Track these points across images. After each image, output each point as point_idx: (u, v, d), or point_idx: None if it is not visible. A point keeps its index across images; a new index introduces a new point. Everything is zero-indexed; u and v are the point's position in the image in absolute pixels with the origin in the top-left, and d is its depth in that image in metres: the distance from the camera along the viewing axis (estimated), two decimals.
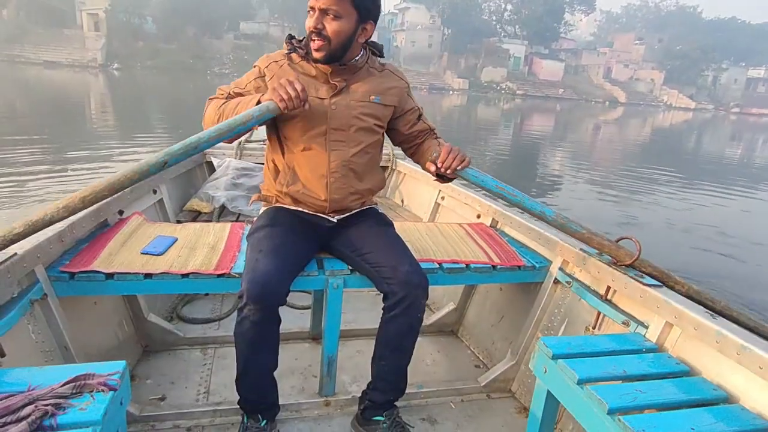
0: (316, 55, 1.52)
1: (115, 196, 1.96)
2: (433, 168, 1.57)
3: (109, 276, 1.53)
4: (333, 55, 1.52)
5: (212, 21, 51.30)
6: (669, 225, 6.88)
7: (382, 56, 1.70)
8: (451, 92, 51.07)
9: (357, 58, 1.59)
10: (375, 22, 1.55)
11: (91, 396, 1.02)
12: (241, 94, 1.59)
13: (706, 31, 73.93)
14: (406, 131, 1.75)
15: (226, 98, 1.59)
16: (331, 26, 1.47)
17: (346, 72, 1.58)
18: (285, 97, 1.40)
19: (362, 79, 1.62)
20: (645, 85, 64.84)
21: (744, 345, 1.20)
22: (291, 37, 1.62)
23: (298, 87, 1.41)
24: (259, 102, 1.44)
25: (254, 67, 1.64)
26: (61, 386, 1.03)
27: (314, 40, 1.49)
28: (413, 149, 1.79)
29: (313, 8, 1.47)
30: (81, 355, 1.59)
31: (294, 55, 1.60)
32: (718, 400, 1.22)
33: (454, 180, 1.70)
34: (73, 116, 14.71)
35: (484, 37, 59.61)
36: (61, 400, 1.00)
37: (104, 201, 1.86)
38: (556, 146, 16.48)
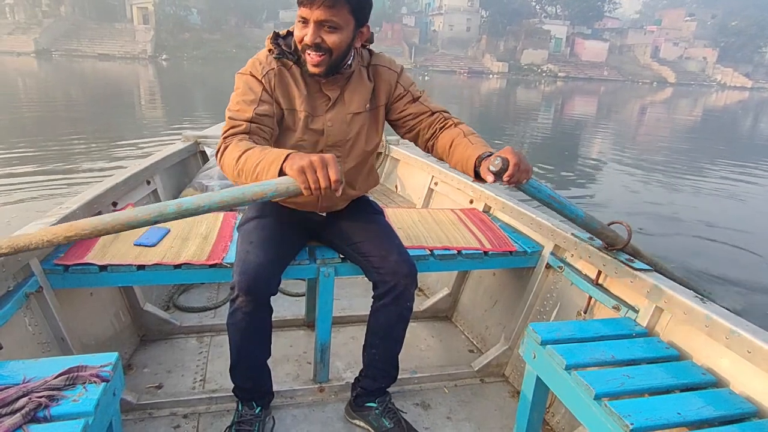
0: (314, 70, 1.42)
1: (109, 187, 2.00)
2: (491, 179, 1.32)
3: (103, 268, 1.56)
4: (333, 68, 1.44)
5: (253, 10, 52.38)
6: (716, 217, 6.39)
7: (371, 42, 1.58)
8: (490, 76, 50.52)
9: (350, 62, 1.50)
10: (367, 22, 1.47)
11: (84, 387, 1.04)
12: (260, 124, 1.42)
13: (763, 5, 69.81)
14: (398, 116, 1.64)
15: (244, 136, 1.39)
16: (330, 39, 1.38)
17: (339, 80, 1.52)
18: (313, 186, 1.14)
19: (355, 85, 1.55)
20: (696, 64, 62.29)
21: (732, 329, 1.22)
22: (276, 36, 1.51)
23: (333, 176, 1.14)
24: (281, 170, 1.20)
25: (247, 76, 1.48)
26: (55, 378, 1.06)
27: (311, 54, 1.40)
28: (429, 142, 1.63)
29: (306, 20, 1.36)
30: (78, 346, 1.63)
31: (285, 61, 1.49)
32: (707, 384, 1.23)
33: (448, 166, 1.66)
34: (128, 103, 15.74)
35: (524, 18, 58.28)
36: (55, 392, 1.03)
37: (97, 193, 1.93)
38: (596, 130, 16.06)
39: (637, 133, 16.38)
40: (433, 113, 1.61)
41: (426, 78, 41.18)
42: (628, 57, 62.79)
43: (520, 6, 60.78)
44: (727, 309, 1.33)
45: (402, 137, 1.71)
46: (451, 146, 1.52)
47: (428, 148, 1.64)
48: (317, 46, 1.38)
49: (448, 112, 1.63)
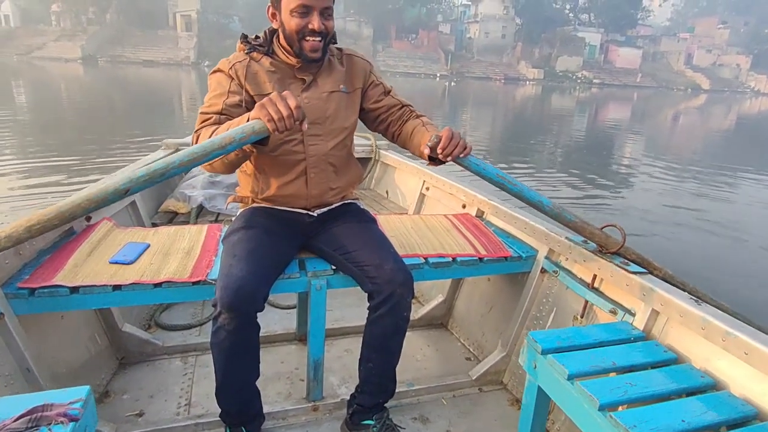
0: (313, 55, 1.51)
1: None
2: (427, 151, 1.46)
3: (74, 290, 1.46)
4: (324, 51, 1.55)
5: None
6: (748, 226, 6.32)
7: (335, 42, 1.67)
8: (525, 83, 51.22)
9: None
10: None
11: (49, 429, 0.91)
12: (230, 115, 1.50)
13: None
14: (372, 106, 1.72)
15: (215, 124, 1.48)
16: (329, 24, 1.50)
17: (312, 67, 1.59)
18: (275, 116, 1.23)
19: (327, 70, 1.63)
20: (730, 71, 62.19)
21: (729, 331, 1.23)
22: (245, 37, 1.62)
23: (292, 103, 1.25)
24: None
25: (216, 73, 1.57)
26: (14, 421, 0.93)
27: (313, 40, 1.48)
28: (395, 131, 1.74)
29: (309, 8, 1.45)
30: (46, 376, 1.51)
31: (255, 54, 1.57)
32: (706, 387, 1.24)
33: (441, 168, 1.70)
34: (168, 110, 16.57)
35: (558, 26, 59.02)
36: None
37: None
38: (629, 136, 16.07)
39: (671, 139, 16.47)
40: (403, 106, 1.75)
41: (453, 83, 41.87)
42: (661, 64, 62.95)
43: (554, 14, 61.50)
44: (723, 311, 1.33)
45: (370, 128, 1.80)
46: (411, 135, 1.66)
47: (393, 137, 1.76)
48: (321, 32, 1.48)
49: (413, 106, 1.77)
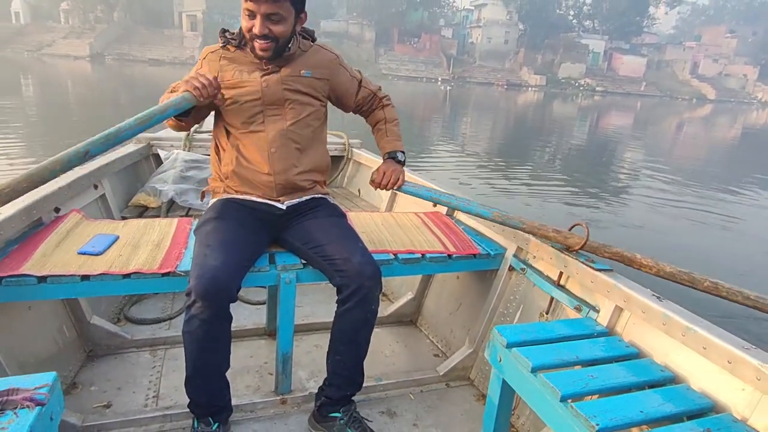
0: (262, 54, 1.61)
1: (51, 191, 1.91)
2: (374, 186, 1.82)
3: (42, 279, 1.46)
4: (278, 52, 1.63)
5: None
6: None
7: (313, 40, 1.79)
8: (527, 89, 51.08)
9: (290, 46, 1.67)
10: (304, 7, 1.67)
11: (15, 413, 0.93)
12: None
13: None
14: (354, 102, 1.89)
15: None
16: (276, 29, 1.56)
17: (280, 60, 1.68)
18: (198, 86, 1.49)
19: (293, 60, 1.71)
20: (736, 81, 61.94)
21: (688, 326, 1.27)
22: (224, 31, 1.73)
23: (210, 77, 1.53)
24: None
25: (195, 66, 1.78)
26: None
27: (259, 42, 1.58)
28: (367, 120, 1.97)
29: (252, 12, 1.54)
30: (13, 366, 1.53)
31: (229, 46, 1.71)
32: (666, 381, 1.28)
33: (412, 167, 1.78)
34: None
35: (561, 32, 58.85)
36: None
37: (37, 198, 1.82)
38: (630, 146, 16.09)
39: (673, 149, 16.49)
40: (374, 94, 1.92)
41: (449, 88, 41.95)
42: (666, 73, 62.73)
43: (557, 20, 61.48)
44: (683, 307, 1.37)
45: (345, 111, 1.95)
46: (373, 130, 1.95)
47: (363, 117, 1.99)
48: (265, 36, 1.57)
49: (381, 91, 1.96)
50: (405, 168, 1.89)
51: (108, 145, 1.38)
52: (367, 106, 1.92)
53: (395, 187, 1.77)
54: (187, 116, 1.63)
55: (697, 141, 19.50)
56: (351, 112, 1.94)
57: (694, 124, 28.18)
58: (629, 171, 10.97)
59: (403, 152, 1.88)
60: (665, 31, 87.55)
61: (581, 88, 54.40)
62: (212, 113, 1.76)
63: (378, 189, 1.81)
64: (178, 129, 1.72)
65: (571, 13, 65.42)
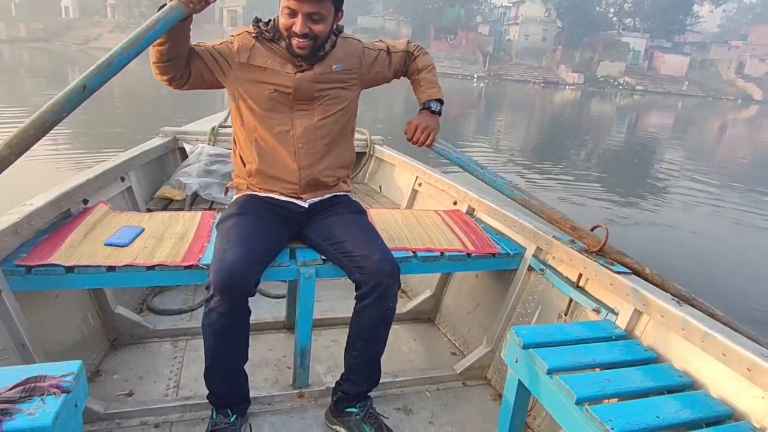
0: (300, 52, 1.59)
1: (79, 183, 1.96)
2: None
3: (69, 269, 1.51)
4: (315, 51, 1.62)
5: None
6: None
7: (340, 33, 1.76)
8: (565, 87, 50.29)
9: (325, 45, 1.67)
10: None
11: (42, 399, 0.95)
12: (199, 53, 1.64)
13: None
14: (392, 71, 1.86)
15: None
16: (316, 27, 1.55)
17: (314, 58, 1.66)
18: None
19: (325, 57, 1.69)
20: None
21: (708, 332, 1.25)
22: (258, 20, 1.70)
23: None
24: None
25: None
26: (9, 390, 0.97)
27: (298, 40, 1.56)
28: (408, 77, 1.93)
29: (294, 11, 1.52)
30: (40, 352, 1.56)
31: (261, 38, 1.67)
32: (684, 386, 1.27)
33: (433, 164, 1.76)
34: (212, 97, 17.67)
35: (600, 30, 57.49)
36: (8, 405, 0.94)
37: (66, 189, 1.88)
38: (670, 148, 15.74)
39: (714, 152, 16.01)
40: (405, 52, 1.87)
41: (482, 85, 41.66)
42: (710, 72, 60.70)
43: (597, 17, 60.04)
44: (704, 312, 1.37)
45: (389, 82, 1.93)
46: (411, 82, 1.90)
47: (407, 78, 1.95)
48: (305, 35, 1.55)
49: (410, 44, 1.90)
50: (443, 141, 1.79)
51: (103, 75, 1.30)
52: (404, 66, 1.88)
53: (425, 145, 1.72)
54: (179, 45, 1.52)
55: (740, 142, 19.03)
56: (396, 79, 1.94)
57: (738, 125, 27.48)
58: (666, 172, 10.75)
59: (439, 101, 1.81)
60: (710, 29, 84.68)
61: (620, 86, 53.21)
62: (228, 112, 1.75)
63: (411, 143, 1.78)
64: (163, 68, 1.56)
65: (612, 10, 63.92)
